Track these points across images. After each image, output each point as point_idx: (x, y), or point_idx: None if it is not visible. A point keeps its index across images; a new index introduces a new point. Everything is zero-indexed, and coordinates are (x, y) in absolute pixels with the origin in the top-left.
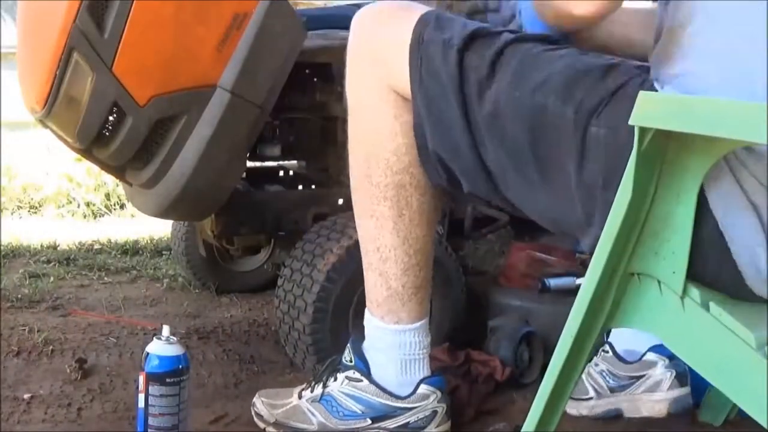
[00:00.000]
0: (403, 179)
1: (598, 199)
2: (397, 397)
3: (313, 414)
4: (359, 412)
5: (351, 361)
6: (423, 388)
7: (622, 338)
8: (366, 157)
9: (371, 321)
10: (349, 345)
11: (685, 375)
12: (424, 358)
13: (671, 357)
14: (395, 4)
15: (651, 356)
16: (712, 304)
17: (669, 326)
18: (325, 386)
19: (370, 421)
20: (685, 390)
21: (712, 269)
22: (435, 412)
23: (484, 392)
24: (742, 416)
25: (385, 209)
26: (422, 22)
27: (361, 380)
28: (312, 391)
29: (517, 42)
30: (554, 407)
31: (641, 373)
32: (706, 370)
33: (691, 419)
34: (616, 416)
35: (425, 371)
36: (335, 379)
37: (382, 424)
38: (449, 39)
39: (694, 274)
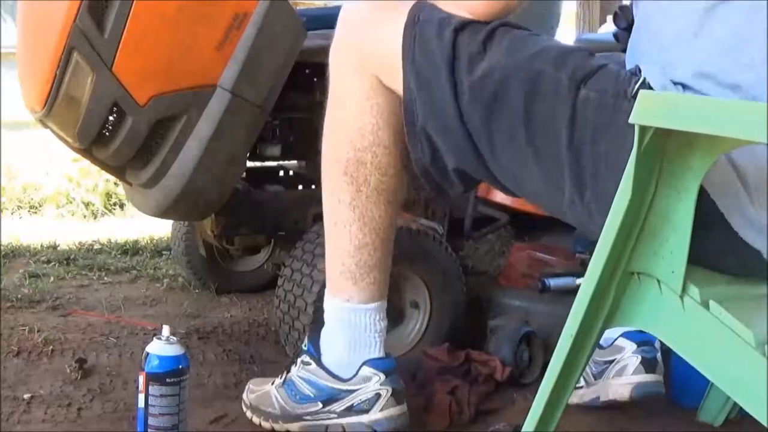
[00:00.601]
0: (364, 157)
1: (588, 154)
2: (341, 380)
3: (276, 398)
4: (312, 395)
5: (305, 347)
6: (365, 370)
7: None
8: (332, 132)
9: (326, 297)
10: (307, 332)
11: (653, 361)
12: (375, 342)
13: (640, 342)
14: None
15: (621, 341)
16: (711, 303)
17: (669, 325)
18: (288, 371)
19: (321, 405)
20: (651, 377)
21: (714, 250)
22: (378, 395)
23: (484, 392)
24: (743, 416)
25: (344, 184)
26: (419, 5)
27: (311, 364)
28: (281, 377)
29: (506, 26)
30: (554, 407)
31: (611, 358)
32: (706, 369)
33: (691, 419)
34: (607, 407)
35: (374, 353)
36: (295, 365)
37: (331, 407)
38: (446, 18)
39: (697, 260)
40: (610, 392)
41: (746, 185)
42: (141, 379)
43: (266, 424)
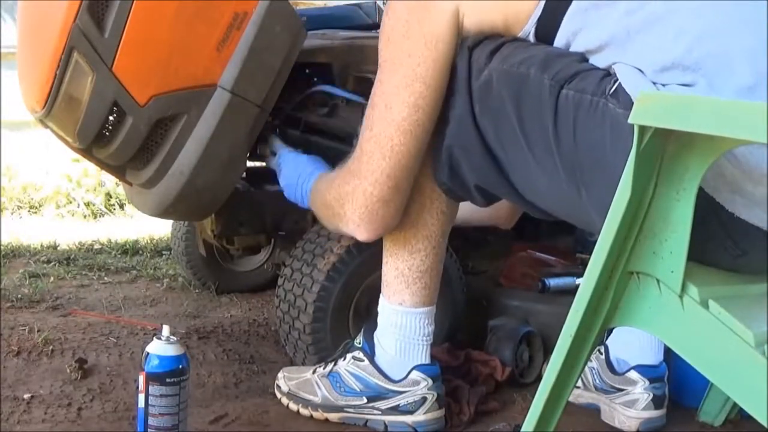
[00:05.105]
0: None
1: (572, 152)
2: (391, 380)
3: (319, 387)
4: (358, 390)
5: (359, 344)
6: (414, 374)
7: (616, 345)
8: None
9: (381, 301)
10: (362, 329)
11: (662, 398)
12: (423, 345)
13: (653, 379)
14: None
15: (633, 374)
16: (711, 302)
17: (668, 325)
18: (335, 364)
19: (366, 400)
20: (659, 412)
21: (713, 244)
22: (424, 399)
23: (484, 392)
24: (743, 416)
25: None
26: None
27: (363, 360)
28: (324, 368)
29: (516, 40)
30: (554, 407)
31: (622, 387)
32: (705, 369)
33: (691, 419)
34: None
35: (422, 358)
36: (344, 359)
37: (376, 404)
38: (464, 39)
39: (697, 257)
40: (616, 420)
41: (739, 163)
42: (141, 379)
43: (305, 411)
